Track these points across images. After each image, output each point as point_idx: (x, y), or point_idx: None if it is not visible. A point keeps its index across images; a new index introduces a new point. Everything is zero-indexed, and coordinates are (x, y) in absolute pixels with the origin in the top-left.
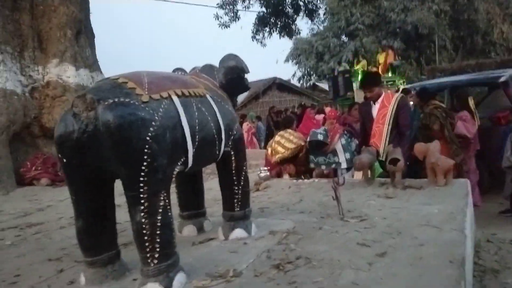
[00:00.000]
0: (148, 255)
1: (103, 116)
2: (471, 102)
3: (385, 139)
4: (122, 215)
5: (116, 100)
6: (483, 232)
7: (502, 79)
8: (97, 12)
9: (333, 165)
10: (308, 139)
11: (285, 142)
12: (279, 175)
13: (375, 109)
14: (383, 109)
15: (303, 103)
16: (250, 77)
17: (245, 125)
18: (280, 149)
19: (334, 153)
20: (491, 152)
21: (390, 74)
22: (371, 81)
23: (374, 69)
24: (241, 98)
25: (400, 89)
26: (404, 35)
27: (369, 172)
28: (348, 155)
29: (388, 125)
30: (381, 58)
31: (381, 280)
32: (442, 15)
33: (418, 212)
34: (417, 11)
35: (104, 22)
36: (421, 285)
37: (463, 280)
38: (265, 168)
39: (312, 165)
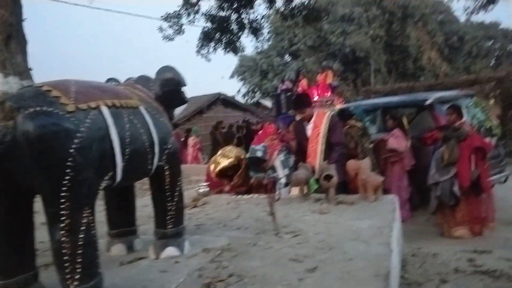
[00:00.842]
0: (67, 276)
1: (22, 126)
2: (404, 122)
3: (320, 159)
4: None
5: (38, 109)
6: (410, 246)
7: (428, 102)
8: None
9: (273, 176)
10: (247, 155)
11: (227, 153)
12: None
13: (309, 128)
14: (316, 129)
15: (247, 119)
16: (195, 92)
17: (191, 140)
18: (221, 159)
19: (273, 169)
20: (420, 170)
21: (329, 94)
22: (302, 102)
23: (313, 89)
24: (185, 112)
25: (336, 109)
26: (342, 57)
27: (305, 188)
28: (286, 171)
29: (322, 145)
30: (320, 78)
31: None
32: (378, 40)
33: (349, 227)
34: (355, 35)
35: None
36: None
37: None
38: (205, 184)
39: (251, 175)
